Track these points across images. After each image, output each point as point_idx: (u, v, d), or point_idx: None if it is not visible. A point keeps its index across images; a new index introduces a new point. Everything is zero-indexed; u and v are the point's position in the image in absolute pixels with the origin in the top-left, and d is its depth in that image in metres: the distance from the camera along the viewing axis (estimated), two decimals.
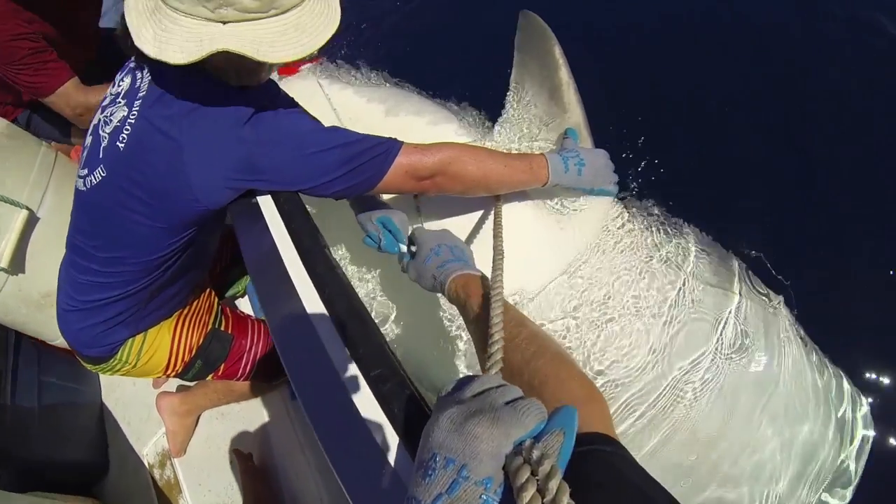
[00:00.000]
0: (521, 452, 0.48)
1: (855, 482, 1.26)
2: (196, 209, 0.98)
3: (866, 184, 1.74)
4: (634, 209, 1.52)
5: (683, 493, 1.18)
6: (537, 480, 0.45)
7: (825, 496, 1.26)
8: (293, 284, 0.88)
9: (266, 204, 1.01)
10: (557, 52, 1.48)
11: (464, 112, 1.74)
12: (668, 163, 1.75)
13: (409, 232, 1.18)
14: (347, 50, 2.57)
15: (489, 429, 0.49)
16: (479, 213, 1.41)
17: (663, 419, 1.21)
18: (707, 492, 1.20)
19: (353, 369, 0.72)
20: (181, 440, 1.82)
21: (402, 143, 1.05)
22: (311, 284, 0.85)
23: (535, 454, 0.47)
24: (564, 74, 1.48)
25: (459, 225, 1.38)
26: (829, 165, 1.80)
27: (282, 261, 0.91)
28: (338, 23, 0.89)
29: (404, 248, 1.16)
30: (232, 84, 0.96)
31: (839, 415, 1.32)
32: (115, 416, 2.03)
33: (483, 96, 1.75)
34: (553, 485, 0.44)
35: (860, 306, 1.54)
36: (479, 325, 0.78)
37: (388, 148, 1.02)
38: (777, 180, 1.81)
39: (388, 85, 2.00)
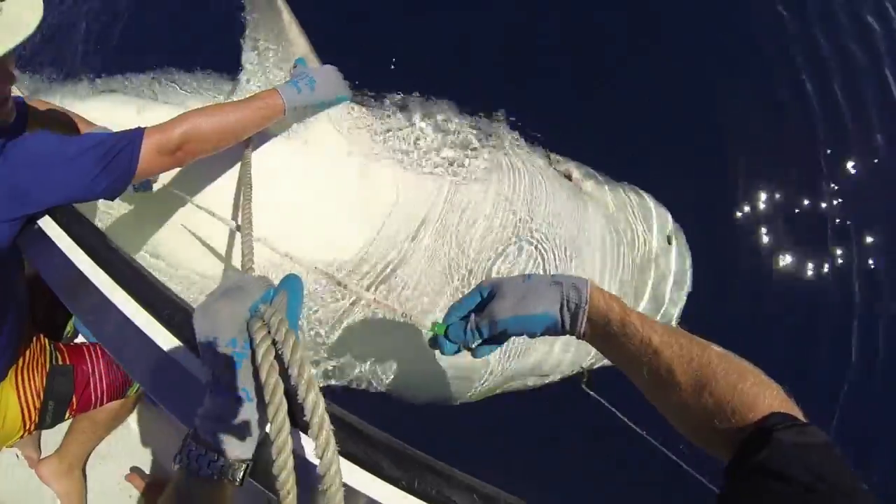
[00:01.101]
0: (257, 313, 0.64)
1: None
2: None
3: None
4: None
5: None
6: (272, 335, 0.62)
7: None
8: (95, 285, 0.94)
9: (47, 224, 1.04)
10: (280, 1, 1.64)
11: (204, 79, 1.82)
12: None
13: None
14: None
15: (223, 302, 0.66)
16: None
17: None
18: None
19: (156, 325, 0.84)
20: (76, 499, 1.78)
21: (143, 129, 1.14)
22: (109, 278, 0.92)
23: (267, 311, 0.64)
24: (286, 15, 1.63)
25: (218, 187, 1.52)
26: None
27: (77, 267, 0.96)
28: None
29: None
30: None
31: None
32: None
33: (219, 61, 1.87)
34: (282, 329, 0.61)
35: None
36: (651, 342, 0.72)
37: (132, 137, 1.12)
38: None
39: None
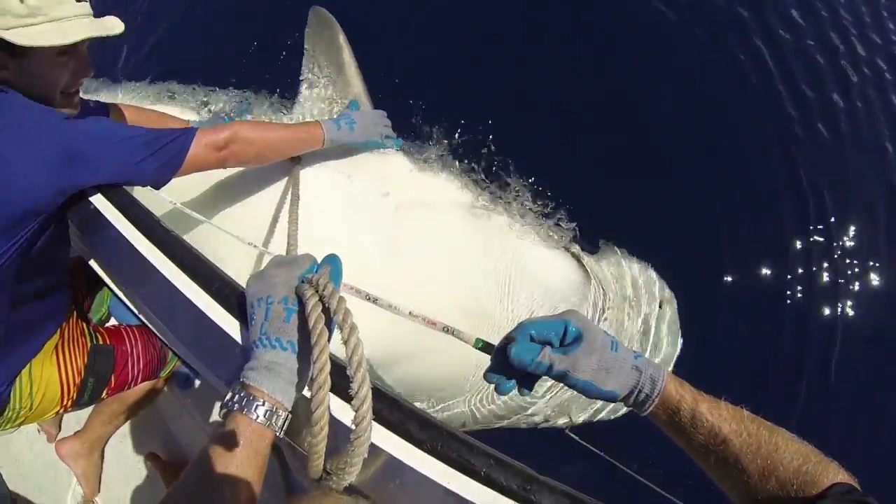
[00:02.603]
0: (306, 279, 0.75)
1: None
2: (25, 214, 1.08)
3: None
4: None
5: None
6: (320, 294, 0.71)
7: None
8: (150, 261, 1.03)
9: (103, 206, 1.14)
10: (342, 38, 1.83)
11: (262, 99, 2.02)
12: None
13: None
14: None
15: (277, 270, 0.77)
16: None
17: None
18: None
19: (206, 298, 0.93)
20: (93, 479, 1.83)
21: (196, 127, 1.30)
22: (163, 254, 1.02)
23: (314, 277, 0.74)
24: (347, 55, 1.81)
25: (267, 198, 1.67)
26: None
27: (132, 244, 1.05)
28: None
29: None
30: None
31: None
32: (25, 491, 1.97)
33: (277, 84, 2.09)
34: (329, 287, 0.71)
35: None
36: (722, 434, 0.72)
37: (186, 131, 1.27)
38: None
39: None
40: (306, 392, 0.71)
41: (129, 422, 1.82)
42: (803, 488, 0.67)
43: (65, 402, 1.44)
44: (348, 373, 0.65)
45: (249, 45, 2.67)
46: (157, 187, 1.27)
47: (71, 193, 1.13)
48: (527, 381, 0.82)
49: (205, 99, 2.02)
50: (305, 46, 1.91)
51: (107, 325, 1.69)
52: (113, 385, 1.53)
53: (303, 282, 0.76)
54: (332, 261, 0.81)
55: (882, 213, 2.41)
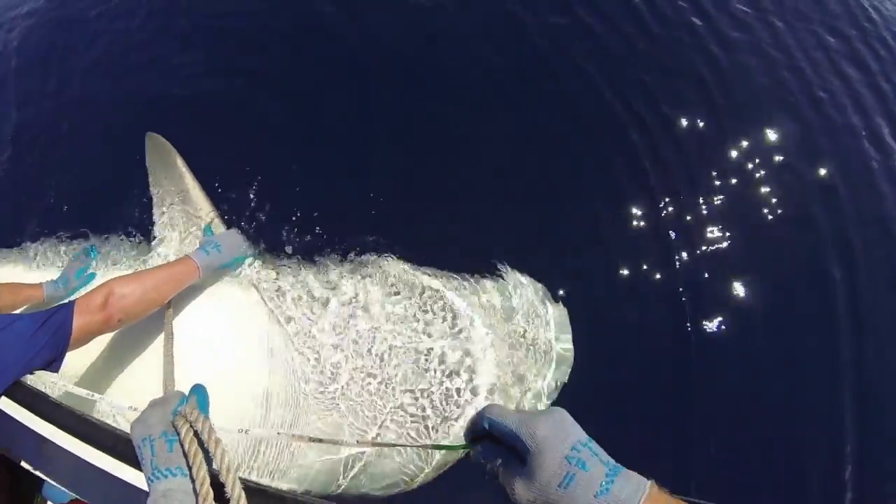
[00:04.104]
0: (178, 413, 0.97)
1: None
2: None
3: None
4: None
5: None
6: (190, 422, 0.94)
7: None
8: (57, 444, 1.19)
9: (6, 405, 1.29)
10: (180, 162, 1.95)
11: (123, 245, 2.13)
12: None
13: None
14: None
15: (152, 411, 0.99)
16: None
17: None
18: None
19: (109, 459, 1.11)
20: None
21: (74, 300, 1.43)
22: (66, 434, 1.19)
23: (184, 409, 0.96)
24: (189, 180, 1.94)
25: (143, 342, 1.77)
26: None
27: (38, 432, 1.22)
28: None
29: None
30: None
31: None
32: None
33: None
34: (199, 417, 0.94)
35: None
36: None
37: (66, 306, 1.41)
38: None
39: None
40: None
41: None
42: None
43: None
44: (221, 479, 0.87)
45: (92, 186, 2.65)
46: (54, 368, 1.40)
47: None
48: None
49: (47, 254, 2.10)
50: (150, 179, 2.01)
51: None
52: None
53: (176, 415, 0.97)
54: (198, 391, 1.04)
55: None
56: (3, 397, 1.29)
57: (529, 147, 2.68)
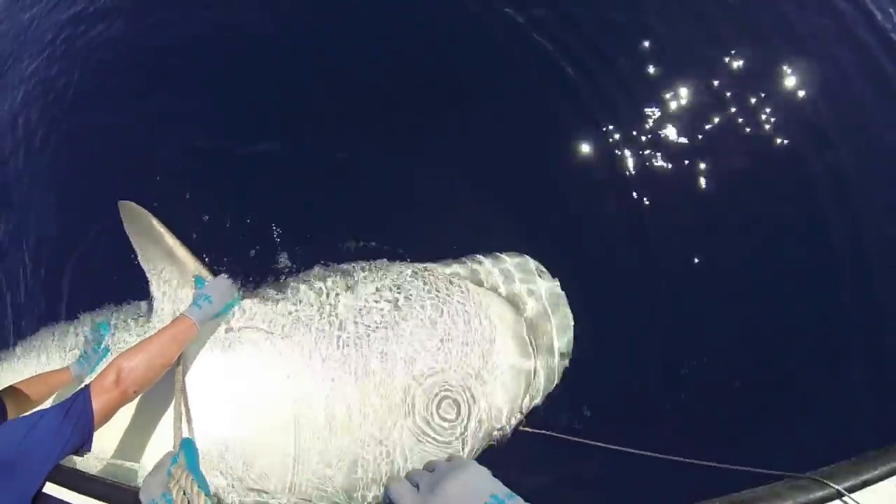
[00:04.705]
0: (171, 475, 1.12)
1: None
2: None
3: None
4: None
5: None
6: (179, 483, 1.09)
7: None
8: None
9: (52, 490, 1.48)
10: (156, 223, 2.04)
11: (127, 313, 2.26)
12: None
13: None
14: None
15: (151, 477, 1.14)
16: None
17: None
18: None
19: None
20: None
21: (87, 385, 1.54)
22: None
23: (176, 471, 1.11)
24: (169, 239, 2.04)
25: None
26: None
27: None
28: None
29: None
30: None
31: None
32: None
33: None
34: (186, 479, 1.09)
35: None
36: None
37: (82, 393, 1.52)
38: None
39: None
40: None
41: None
42: None
43: None
44: None
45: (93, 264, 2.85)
46: (86, 448, 1.52)
47: (29, 501, 1.37)
48: None
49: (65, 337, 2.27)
50: (134, 246, 2.09)
51: None
52: None
53: (170, 476, 1.13)
54: (185, 446, 1.21)
55: None
56: (48, 483, 1.48)
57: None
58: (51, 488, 1.46)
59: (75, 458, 1.54)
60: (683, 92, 2.72)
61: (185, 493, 1.08)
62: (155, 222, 2.06)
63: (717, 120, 2.66)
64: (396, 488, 0.89)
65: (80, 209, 2.92)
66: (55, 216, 3.01)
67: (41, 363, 2.30)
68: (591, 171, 2.63)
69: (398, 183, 2.63)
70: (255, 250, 2.55)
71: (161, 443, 1.89)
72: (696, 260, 2.41)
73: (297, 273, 2.30)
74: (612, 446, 1.71)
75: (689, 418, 2.18)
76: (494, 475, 0.89)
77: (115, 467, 1.58)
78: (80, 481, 1.46)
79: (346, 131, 2.76)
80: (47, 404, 2.11)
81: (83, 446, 1.50)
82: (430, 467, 0.90)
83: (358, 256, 2.21)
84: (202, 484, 1.10)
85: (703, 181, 2.54)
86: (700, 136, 2.63)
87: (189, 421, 1.66)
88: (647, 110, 2.69)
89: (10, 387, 2.03)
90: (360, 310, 1.97)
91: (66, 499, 1.44)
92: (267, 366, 1.92)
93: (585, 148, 2.65)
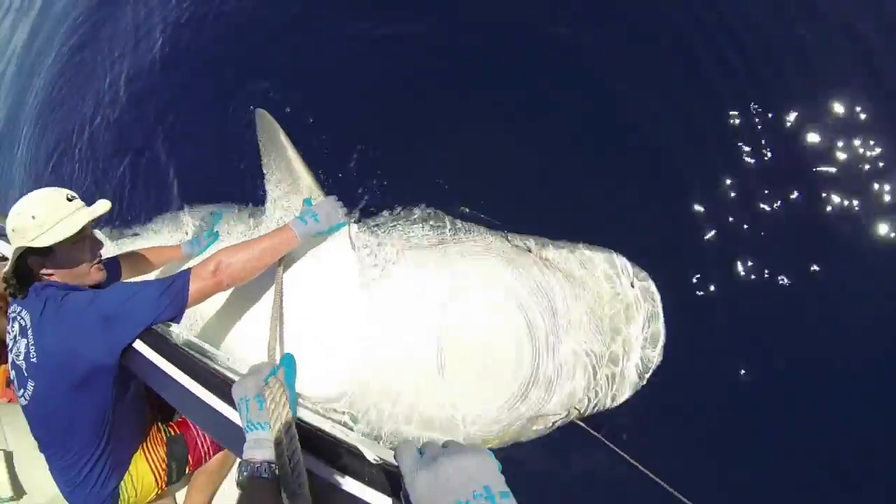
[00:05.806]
0: (267, 382, 1.19)
1: None
2: (97, 371, 1.57)
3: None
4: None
5: None
6: (272, 391, 1.15)
7: None
8: (176, 380, 1.49)
9: (141, 347, 1.62)
10: (283, 137, 2.15)
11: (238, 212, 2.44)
12: None
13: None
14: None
15: (248, 377, 1.22)
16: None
17: None
18: None
19: (210, 395, 1.38)
20: None
21: (190, 268, 1.71)
22: (184, 374, 1.48)
23: (272, 380, 1.18)
24: (291, 153, 2.14)
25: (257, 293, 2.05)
26: None
27: (163, 370, 1.53)
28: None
29: None
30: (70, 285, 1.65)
31: None
32: None
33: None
34: (278, 386, 1.15)
35: None
36: None
37: (182, 273, 1.69)
38: None
39: None
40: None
41: (219, 486, 2.29)
42: None
43: (160, 485, 1.95)
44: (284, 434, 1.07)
45: (215, 161, 3.08)
46: (176, 321, 1.71)
47: (121, 349, 1.59)
48: None
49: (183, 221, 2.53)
50: (261, 152, 2.24)
51: (175, 419, 2.19)
52: (191, 463, 2.03)
53: (266, 382, 1.21)
54: (286, 362, 1.29)
55: None
56: (138, 340, 1.62)
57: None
58: (139, 345, 1.60)
59: (166, 326, 1.69)
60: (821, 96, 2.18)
61: (275, 405, 1.13)
62: (282, 134, 2.16)
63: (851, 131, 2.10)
64: (402, 449, 0.91)
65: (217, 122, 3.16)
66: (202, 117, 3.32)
67: (157, 240, 2.58)
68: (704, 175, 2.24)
69: (528, 165, 2.48)
70: (364, 189, 2.53)
71: (246, 337, 2.05)
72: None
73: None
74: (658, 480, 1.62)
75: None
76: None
77: (197, 346, 1.71)
78: (163, 346, 1.57)
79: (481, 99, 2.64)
80: (155, 274, 2.34)
81: (174, 319, 1.68)
82: (445, 444, 0.90)
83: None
84: (293, 402, 1.18)
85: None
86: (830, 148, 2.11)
87: (282, 324, 1.73)
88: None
89: (130, 252, 2.27)
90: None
91: (148, 356, 1.56)
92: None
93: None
